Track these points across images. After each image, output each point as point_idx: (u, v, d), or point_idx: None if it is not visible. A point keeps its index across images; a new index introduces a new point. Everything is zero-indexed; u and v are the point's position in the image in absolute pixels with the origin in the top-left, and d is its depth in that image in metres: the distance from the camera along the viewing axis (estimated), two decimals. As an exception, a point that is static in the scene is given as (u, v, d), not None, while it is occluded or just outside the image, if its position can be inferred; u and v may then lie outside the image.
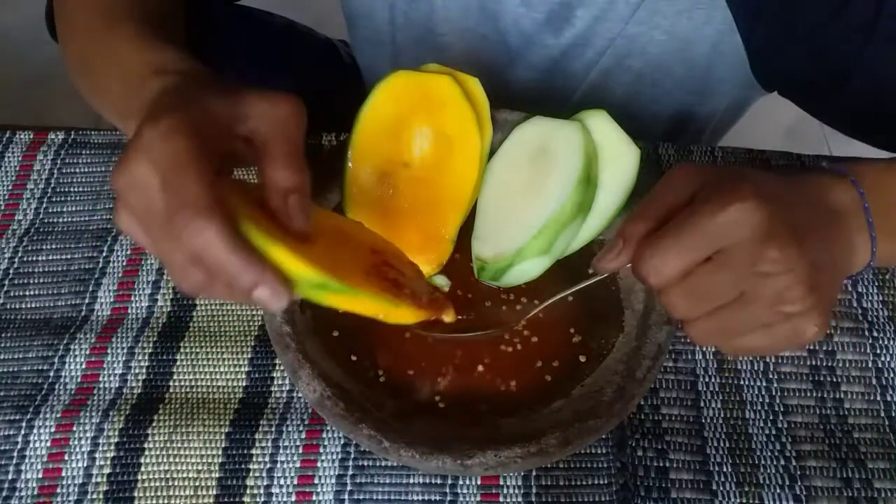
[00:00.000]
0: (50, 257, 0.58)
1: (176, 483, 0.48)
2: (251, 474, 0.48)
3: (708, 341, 0.41)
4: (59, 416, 0.50)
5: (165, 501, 0.48)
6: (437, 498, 0.47)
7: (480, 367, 0.50)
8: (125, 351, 0.53)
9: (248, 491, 0.48)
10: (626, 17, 0.62)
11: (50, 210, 0.61)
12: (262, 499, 0.48)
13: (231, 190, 0.38)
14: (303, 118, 0.41)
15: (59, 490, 0.48)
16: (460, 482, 0.48)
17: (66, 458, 0.49)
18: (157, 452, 0.49)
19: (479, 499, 0.47)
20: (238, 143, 0.40)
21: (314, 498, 0.48)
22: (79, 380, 0.52)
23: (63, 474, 0.49)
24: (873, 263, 0.44)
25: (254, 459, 0.49)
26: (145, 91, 0.43)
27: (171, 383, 0.52)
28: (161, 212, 0.36)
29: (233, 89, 0.41)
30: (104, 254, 0.58)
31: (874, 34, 0.54)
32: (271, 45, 0.78)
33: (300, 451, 0.49)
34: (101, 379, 0.52)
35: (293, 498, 0.48)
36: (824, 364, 0.53)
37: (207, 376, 0.52)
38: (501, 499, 0.47)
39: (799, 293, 0.39)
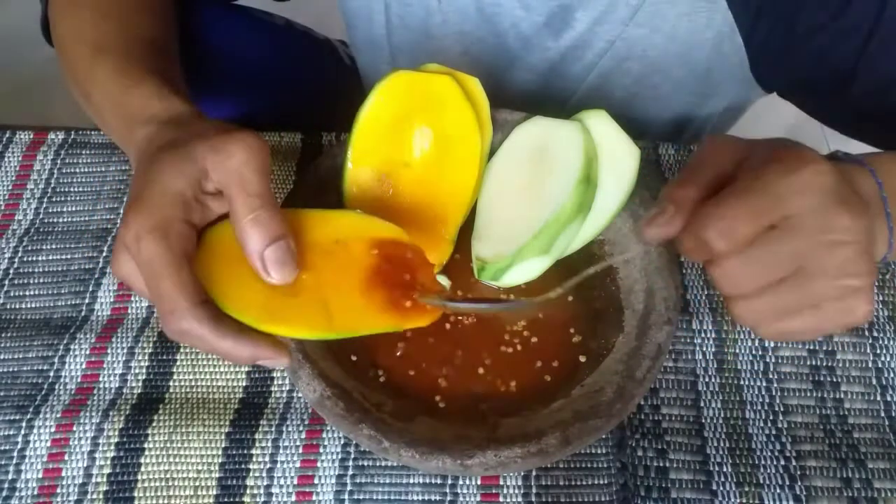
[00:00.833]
0: (50, 257, 0.58)
1: (176, 483, 0.48)
2: (251, 474, 0.48)
3: (755, 321, 0.38)
4: (59, 416, 0.50)
5: (165, 501, 0.48)
6: (437, 498, 0.47)
7: (480, 368, 0.50)
8: (125, 351, 0.53)
9: (248, 491, 0.48)
10: (626, 20, 0.62)
11: (50, 210, 0.61)
12: (262, 499, 0.48)
13: (206, 263, 0.40)
14: (262, 160, 0.41)
15: (59, 490, 0.48)
16: (460, 482, 0.48)
17: (66, 458, 0.49)
18: (157, 452, 0.49)
19: (479, 499, 0.47)
20: (210, 200, 0.42)
21: (314, 498, 0.48)
22: (79, 380, 0.52)
23: (63, 474, 0.49)
24: (889, 255, 0.43)
25: (254, 459, 0.49)
26: (132, 140, 0.46)
27: (171, 383, 0.52)
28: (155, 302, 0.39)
29: (192, 144, 0.41)
30: (104, 254, 0.58)
31: (875, 35, 0.54)
32: (270, 45, 0.78)
33: (300, 451, 0.49)
34: (101, 379, 0.52)
35: (293, 498, 0.48)
36: (824, 364, 0.53)
37: (207, 376, 0.52)
38: (501, 499, 0.47)
39: (864, 266, 0.37)
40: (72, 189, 0.62)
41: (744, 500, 0.47)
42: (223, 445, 0.49)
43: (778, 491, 0.48)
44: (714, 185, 0.39)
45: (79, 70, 0.54)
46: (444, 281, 0.53)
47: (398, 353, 0.50)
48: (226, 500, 0.48)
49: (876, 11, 0.54)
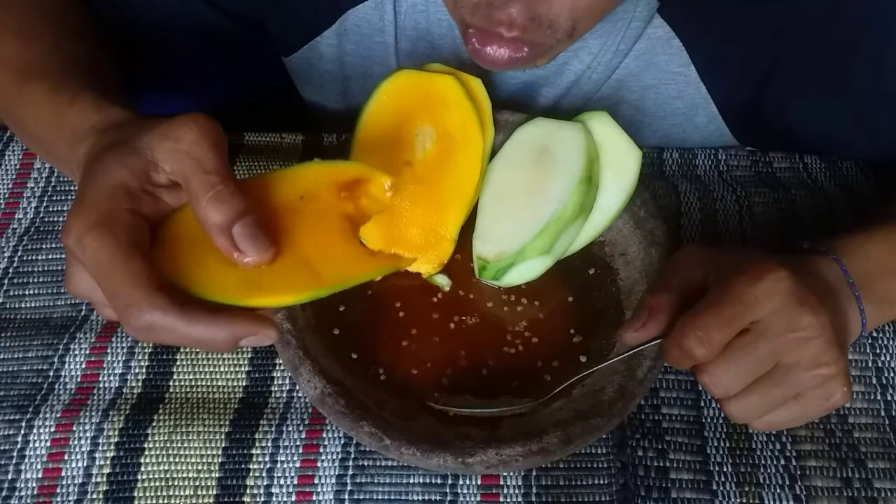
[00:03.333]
0: (50, 257, 0.58)
1: (176, 483, 0.48)
2: (251, 474, 0.48)
3: (747, 417, 0.43)
4: (58, 415, 0.50)
5: (165, 501, 0.47)
6: (438, 498, 0.47)
7: (483, 369, 0.50)
8: (125, 351, 0.53)
9: (248, 491, 0.48)
10: (591, 94, 0.62)
11: (50, 209, 0.61)
12: (262, 499, 0.48)
13: (166, 250, 0.38)
14: (214, 136, 0.39)
15: (59, 490, 0.48)
16: (460, 482, 0.48)
17: (66, 458, 0.49)
18: (157, 452, 0.49)
19: (479, 499, 0.47)
20: (163, 192, 0.40)
21: (314, 498, 0.47)
22: (79, 380, 0.52)
23: (63, 474, 0.48)
24: (865, 333, 0.47)
25: (254, 459, 0.49)
26: (75, 157, 0.43)
27: (171, 383, 0.52)
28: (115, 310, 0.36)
29: (136, 138, 0.39)
30: (104, 253, 0.58)
31: (874, 101, 0.56)
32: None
33: (300, 450, 0.49)
34: (101, 379, 0.52)
35: (293, 498, 0.48)
36: (824, 364, 0.53)
37: (207, 376, 0.52)
38: (502, 499, 0.47)
39: (833, 355, 0.41)
40: (72, 188, 0.62)
41: (744, 500, 0.47)
42: (223, 445, 0.49)
43: (778, 491, 0.48)
44: (685, 292, 0.44)
45: (8, 97, 0.51)
46: (444, 280, 0.53)
47: (401, 352, 0.50)
48: (226, 500, 0.48)
49: (874, 75, 0.55)
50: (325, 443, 0.49)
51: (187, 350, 0.53)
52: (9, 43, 0.52)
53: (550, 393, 0.47)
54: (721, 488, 0.48)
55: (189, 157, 0.38)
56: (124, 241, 0.36)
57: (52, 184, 0.62)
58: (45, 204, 0.61)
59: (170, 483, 0.48)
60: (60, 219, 0.60)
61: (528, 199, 0.51)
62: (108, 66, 0.55)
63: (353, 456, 0.49)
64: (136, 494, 0.48)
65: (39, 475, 0.48)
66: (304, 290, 0.38)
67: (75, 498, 0.48)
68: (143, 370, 0.52)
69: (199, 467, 0.48)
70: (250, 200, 0.38)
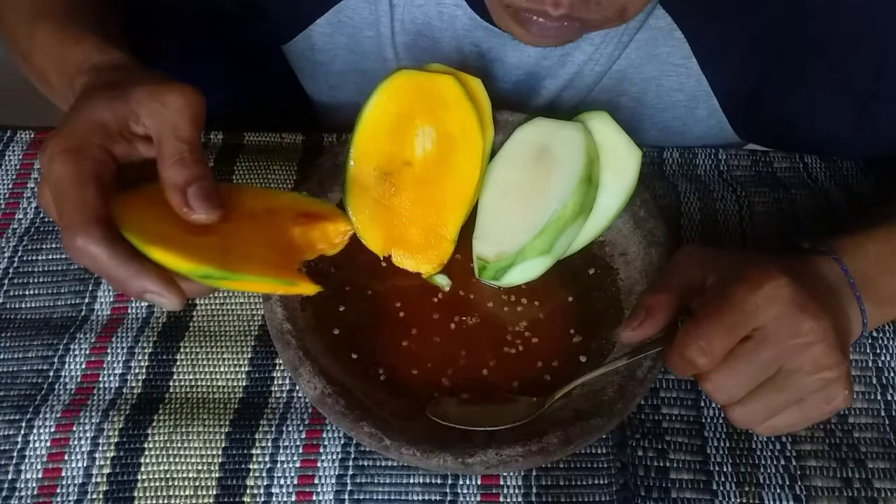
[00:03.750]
0: (50, 257, 0.58)
1: (176, 483, 0.48)
2: (251, 474, 0.48)
3: (750, 423, 0.43)
4: (58, 416, 0.50)
5: (165, 501, 0.47)
6: (438, 498, 0.47)
7: (484, 370, 0.50)
8: (125, 351, 0.53)
9: (248, 491, 0.48)
10: (592, 86, 0.62)
11: (50, 210, 0.61)
12: (262, 499, 0.48)
13: (127, 198, 0.41)
14: (196, 110, 0.42)
15: (59, 490, 0.48)
16: (460, 482, 0.48)
17: (66, 458, 0.49)
18: (157, 452, 0.49)
19: (479, 499, 0.47)
20: (138, 141, 0.43)
21: (314, 498, 0.47)
22: (79, 380, 0.52)
23: (63, 474, 0.48)
24: (865, 333, 0.47)
25: (254, 459, 0.49)
26: (73, 90, 0.46)
27: (171, 383, 0.52)
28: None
29: (128, 87, 0.43)
30: (104, 254, 0.58)
31: (876, 97, 0.55)
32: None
33: (300, 450, 0.49)
34: (101, 379, 0.52)
35: (293, 498, 0.48)
36: (824, 364, 0.53)
37: (207, 376, 0.52)
38: (501, 499, 0.47)
39: (835, 358, 0.41)
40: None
41: (744, 500, 0.47)
42: (223, 445, 0.49)
43: (778, 491, 0.48)
44: (684, 293, 0.45)
45: (19, 37, 0.54)
46: (444, 280, 0.53)
47: (401, 352, 0.50)
48: (226, 500, 0.48)
49: (874, 73, 0.54)
50: (325, 443, 0.49)
51: (187, 350, 0.53)
52: None
53: (549, 402, 0.46)
54: (721, 488, 0.48)
55: (168, 122, 0.41)
56: (86, 170, 0.40)
57: (52, 184, 0.62)
58: (45, 204, 0.61)
59: (170, 483, 0.48)
60: (60, 219, 0.60)
61: (528, 199, 0.51)
62: (115, 16, 0.58)
63: (353, 456, 0.49)
64: (136, 494, 0.48)
65: (39, 475, 0.48)
66: (202, 262, 0.40)
67: (75, 498, 0.48)
68: (143, 370, 0.52)
69: (199, 467, 0.48)
70: (208, 171, 0.42)
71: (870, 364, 0.53)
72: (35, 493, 0.48)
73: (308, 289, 0.42)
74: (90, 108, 0.42)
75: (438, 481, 0.48)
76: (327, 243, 0.46)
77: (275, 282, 0.42)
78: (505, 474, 0.48)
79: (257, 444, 0.49)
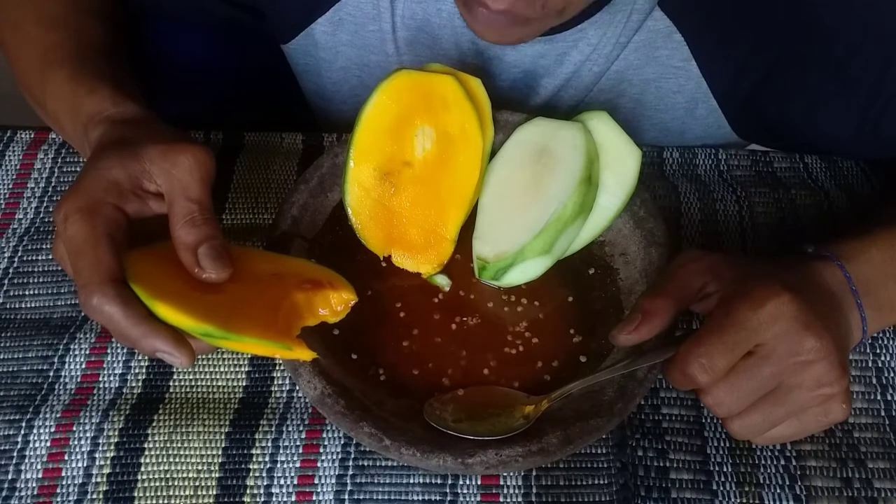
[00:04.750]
0: (50, 257, 0.58)
1: (176, 483, 0.48)
2: (251, 474, 0.48)
3: (750, 434, 0.43)
4: (58, 416, 0.50)
5: (165, 501, 0.48)
6: (438, 498, 0.47)
7: (485, 369, 0.50)
8: (125, 351, 0.53)
9: (248, 491, 0.48)
10: (591, 86, 0.62)
11: (50, 209, 0.61)
12: (262, 499, 0.48)
13: (140, 254, 0.43)
14: (206, 171, 0.44)
15: (59, 490, 0.48)
16: (460, 482, 0.48)
17: (66, 458, 0.49)
18: (157, 452, 0.49)
19: (479, 499, 0.47)
20: (150, 198, 0.44)
21: (314, 498, 0.47)
22: (79, 380, 0.52)
23: (63, 474, 0.48)
24: (865, 339, 0.47)
25: (254, 459, 0.49)
26: (88, 141, 0.48)
27: (171, 383, 0.52)
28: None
29: (141, 146, 0.44)
30: (104, 254, 0.58)
31: (879, 98, 0.55)
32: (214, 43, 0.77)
33: (300, 450, 0.49)
34: (101, 379, 0.52)
35: (293, 498, 0.48)
36: (824, 364, 0.53)
37: (207, 376, 0.52)
38: (501, 499, 0.47)
39: (835, 375, 0.41)
40: (72, 189, 0.62)
41: (744, 500, 0.47)
42: (223, 445, 0.49)
43: (778, 491, 0.48)
44: (682, 298, 0.45)
45: (31, 82, 0.55)
46: (444, 281, 0.53)
47: (402, 352, 0.50)
48: (226, 500, 0.48)
49: (877, 74, 0.54)
50: (325, 443, 0.49)
51: (187, 350, 0.53)
52: (31, 27, 0.56)
53: (543, 408, 0.46)
54: (721, 488, 0.48)
55: (179, 182, 0.43)
56: (100, 230, 0.41)
57: (52, 184, 0.62)
58: (45, 204, 0.61)
59: (170, 483, 0.48)
60: (60, 219, 0.60)
61: (528, 199, 0.51)
62: (121, 49, 0.59)
63: (353, 456, 0.49)
64: (136, 494, 0.48)
65: (39, 475, 0.48)
66: (204, 320, 0.41)
67: (75, 498, 0.48)
68: (143, 370, 0.52)
69: (199, 467, 0.48)
70: (220, 231, 0.43)
71: (870, 364, 0.53)
72: (35, 493, 0.48)
73: (304, 354, 0.43)
74: (103, 166, 0.43)
75: (438, 481, 0.48)
76: (330, 310, 0.47)
77: (273, 345, 0.42)
78: (505, 474, 0.48)
79: (257, 444, 0.49)
